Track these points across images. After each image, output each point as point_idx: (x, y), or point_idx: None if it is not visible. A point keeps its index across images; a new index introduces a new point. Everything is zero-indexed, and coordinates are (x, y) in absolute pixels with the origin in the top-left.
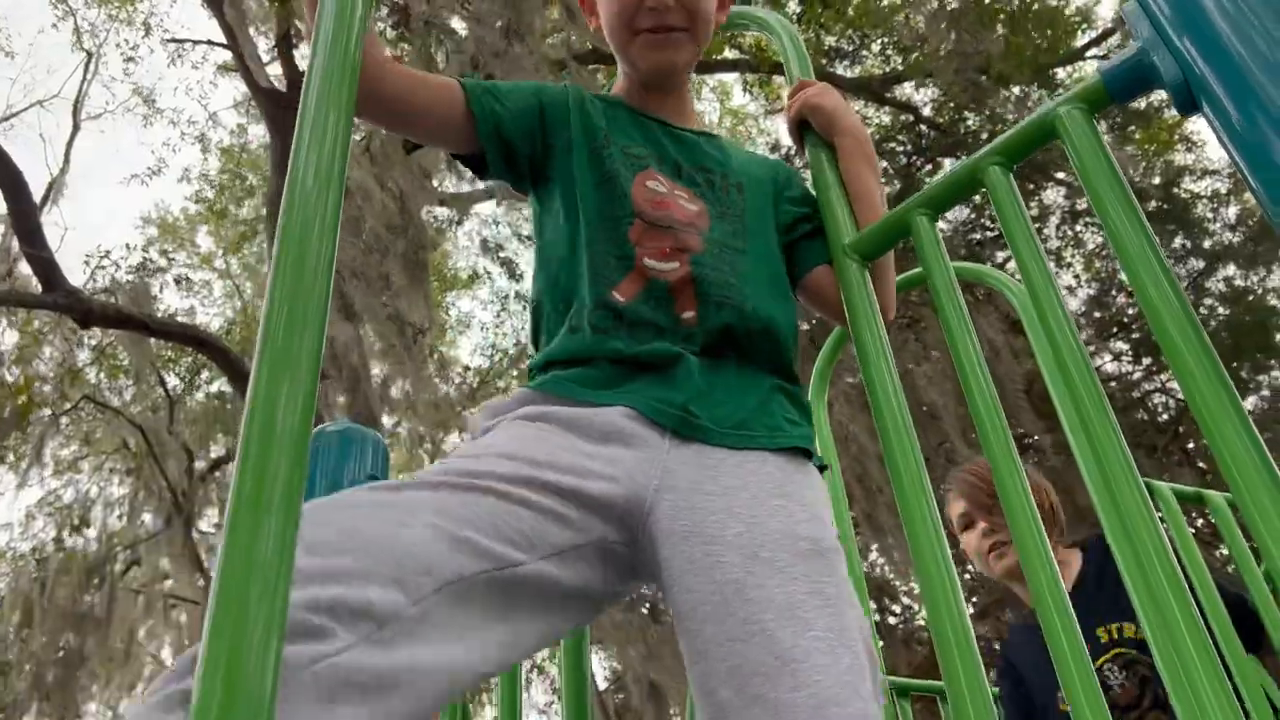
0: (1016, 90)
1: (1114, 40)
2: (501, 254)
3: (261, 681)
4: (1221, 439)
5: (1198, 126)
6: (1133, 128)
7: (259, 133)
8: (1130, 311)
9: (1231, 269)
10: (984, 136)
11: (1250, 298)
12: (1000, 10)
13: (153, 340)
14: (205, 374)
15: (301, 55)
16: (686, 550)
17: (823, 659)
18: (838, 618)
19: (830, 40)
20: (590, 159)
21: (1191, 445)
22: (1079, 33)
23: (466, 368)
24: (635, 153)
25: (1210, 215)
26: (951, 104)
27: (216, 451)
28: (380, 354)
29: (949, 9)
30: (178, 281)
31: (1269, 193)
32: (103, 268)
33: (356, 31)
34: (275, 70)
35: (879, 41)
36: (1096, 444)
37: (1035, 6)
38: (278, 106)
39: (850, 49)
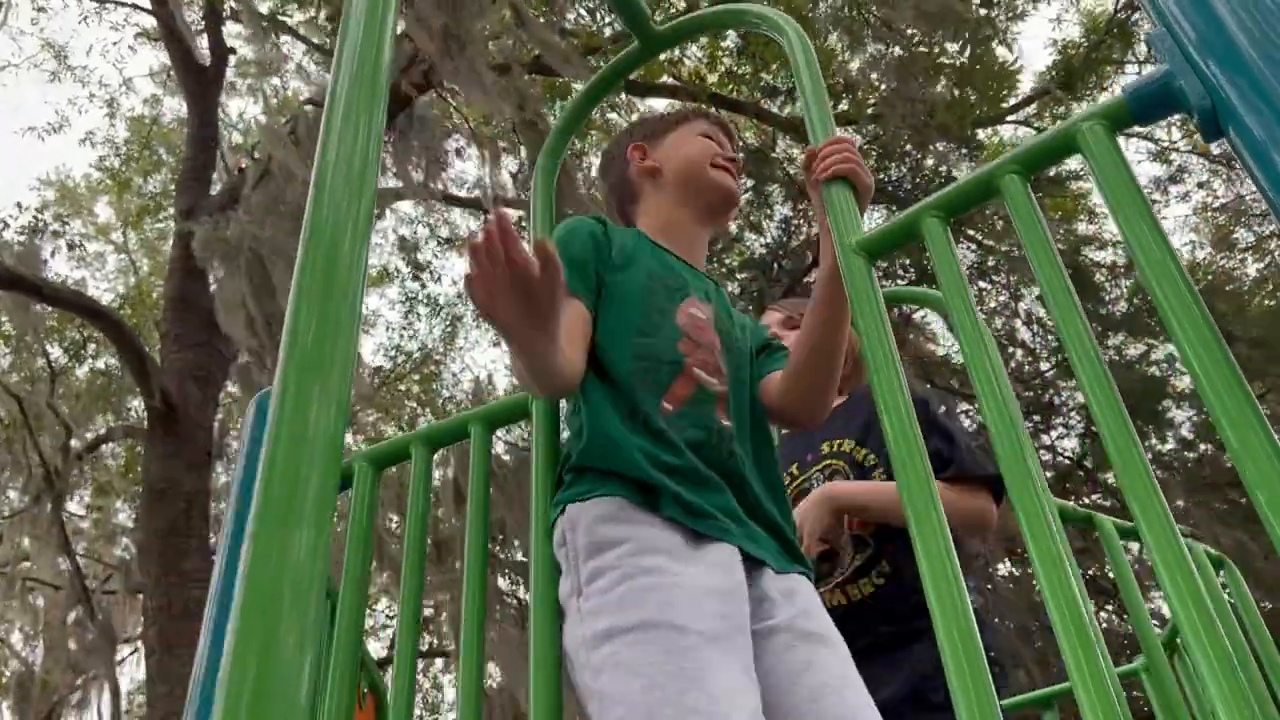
0: (941, 146)
1: (1033, 108)
2: (416, 254)
3: (296, 694)
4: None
5: (1098, 201)
6: (1041, 194)
7: (174, 106)
8: (1027, 368)
9: (1122, 337)
10: (907, 186)
11: (1138, 367)
12: (944, 65)
13: (39, 307)
14: (91, 347)
15: (230, 32)
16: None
17: None
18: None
19: (766, 78)
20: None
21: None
22: (1012, 92)
23: (376, 369)
24: (663, 276)
25: (1107, 285)
26: (878, 150)
27: (97, 430)
28: None
29: (896, 56)
30: (70, 247)
31: None
32: None
33: (385, 40)
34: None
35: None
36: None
37: (978, 65)
38: (200, 81)
39: (786, 88)
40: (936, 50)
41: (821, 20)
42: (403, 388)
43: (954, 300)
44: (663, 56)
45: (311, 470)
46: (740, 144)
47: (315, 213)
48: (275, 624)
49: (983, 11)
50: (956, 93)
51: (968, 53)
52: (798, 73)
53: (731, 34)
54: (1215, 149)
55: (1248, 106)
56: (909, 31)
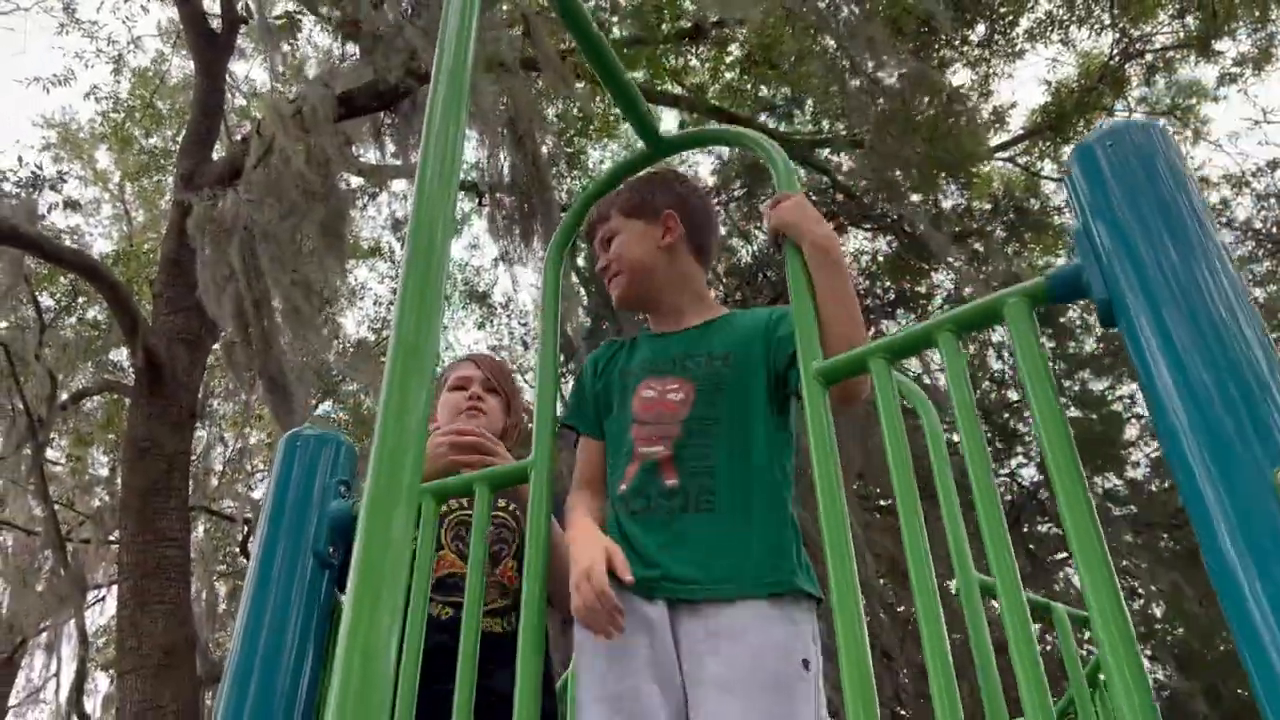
0: (916, 197)
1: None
2: (400, 230)
3: (389, 647)
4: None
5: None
6: (1029, 233)
7: (179, 64)
8: (994, 397)
9: (1087, 373)
10: (890, 219)
11: (1104, 406)
12: (923, 123)
13: (32, 261)
14: (81, 299)
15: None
16: None
17: None
18: None
19: (762, 90)
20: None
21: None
22: (991, 136)
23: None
24: (633, 370)
25: (1079, 323)
26: (864, 181)
27: (81, 382)
28: (283, 317)
29: (877, 110)
30: (70, 205)
31: (1154, 402)
32: None
33: (468, 54)
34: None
35: (811, 106)
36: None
37: (951, 123)
38: (211, 46)
39: (783, 106)
40: (914, 111)
41: (818, 61)
42: (384, 360)
43: (890, 435)
44: (669, 66)
45: (410, 452)
46: (736, 153)
47: (418, 210)
48: (378, 593)
49: (955, 81)
50: (929, 150)
51: (940, 119)
52: (776, 182)
53: (734, 49)
54: None
55: (1136, 308)
56: (891, 86)
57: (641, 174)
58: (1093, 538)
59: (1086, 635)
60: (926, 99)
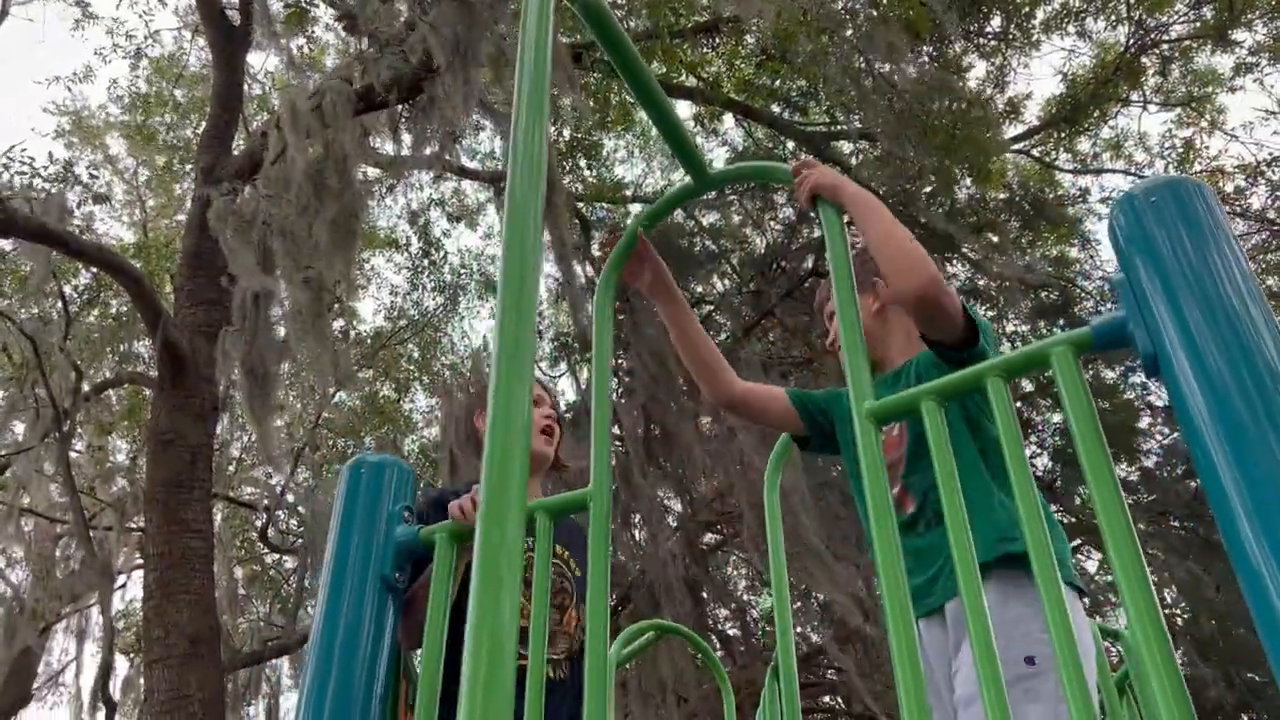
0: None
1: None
2: (419, 222)
3: (512, 638)
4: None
5: (1090, 228)
6: (1044, 222)
7: (199, 55)
8: None
9: (1100, 363)
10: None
11: (1116, 395)
12: (940, 128)
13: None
14: (104, 292)
15: None
16: None
17: None
18: None
19: (777, 83)
20: None
21: None
22: (1006, 127)
23: (377, 333)
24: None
25: (1093, 307)
26: (880, 174)
27: (104, 373)
28: (290, 313)
29: (894, 113)
30: (97, 200)
31: (1192, 447)
32: (21, 171)
33: (547, 51)
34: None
35: (825, 99)
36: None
37: (967, 129)
38: (228, 40)
39: (798, 99)
40: (930, 117)
41: (833, 64)
42: (401, 350)
43: (944, 477)
44: (686, 59)
45: (516, 454)
46: (751, 145)
47: (511, 216)
48: (499, 591)
49: (976, 86)
50: (946, 161)
51: (959, 123)
52: (832, 242)
53: (750, 40)
54: None
55: (1178, 363)
56: (907, 90)
57: None
58: (1141, 580)
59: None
60: (944, 104)
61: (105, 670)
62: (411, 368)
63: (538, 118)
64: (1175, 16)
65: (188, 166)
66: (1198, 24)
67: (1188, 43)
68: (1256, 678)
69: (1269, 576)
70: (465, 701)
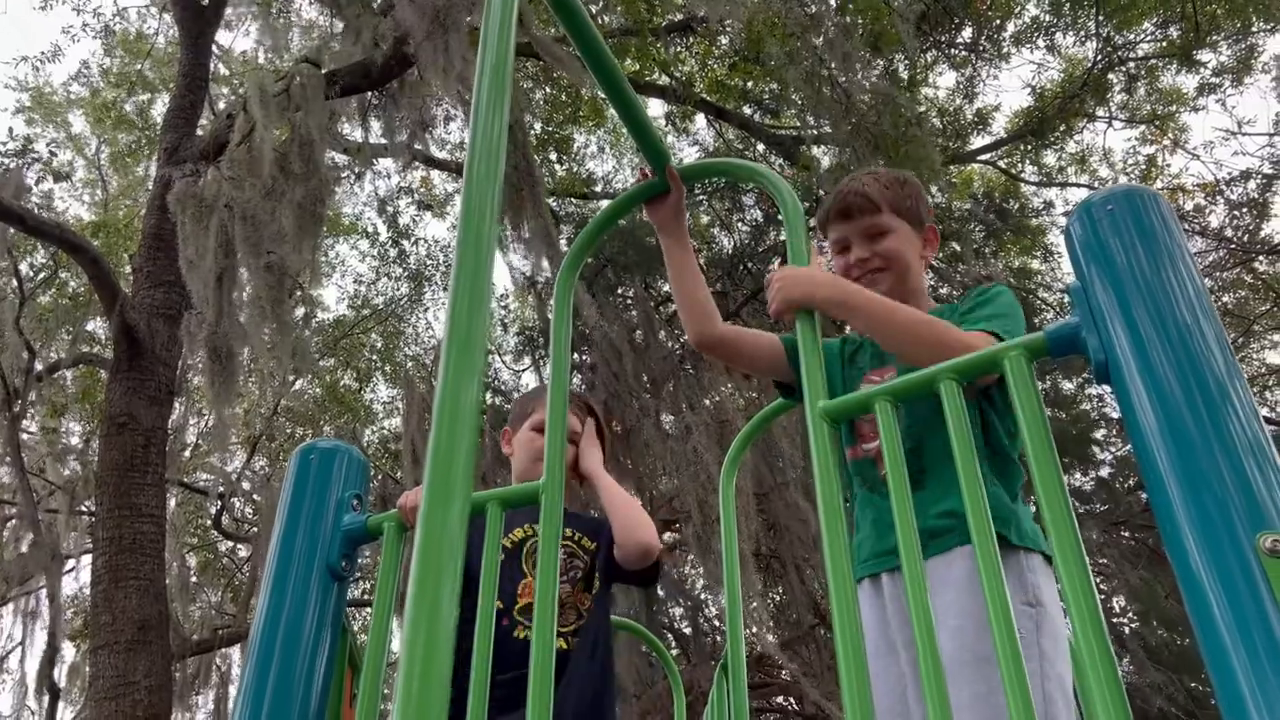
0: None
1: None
2: (386, 211)
3: (450, 629)
4: None
5: (1051, 240)
6: (1008, 233)
7: (166, 29)
8: None
9: (1059, 374)
10: None
11: (1074, 406)
12: (886, 143)
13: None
14: (61, 270)
15: None
16: None
17: None
18: None
19: (749, 84)
20: None
21: None
22: (973, 138)
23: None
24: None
25: (1053, 318)
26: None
27: (58, 353)
28: (251, 298)
29: (848, 125)
30: (57, 178)
31: (1140, 456)
32: None
33: (509, 49)
34: None
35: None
36: None
37: (909, 146)
38: (197, 19)
39: (770, 103)
40: (878, 131)
41: (796, 69)
42: (363, 339)
43: (894, 476)
44: (660, 57)
45: (463, 441)
46: (721, 144)
47: (467, 200)
48: (439, 581)
49: (937, 97)
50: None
51: (904, 140)
52: (791, 228)
53: (724, 41)
54: None
55: (1128, 372)
56: (862, 101)
57: (896, 174)
58: (1087, 591)
59: None
60: (890, 119)
61: (51, 655)
62: (374, 357)
63: (498, 106)
64: (1142, 35)
65: (147, 146)
66: (1164, 43)
67: (1154, 61)
68: (1200, 687)
69: (1209, 585)
70: (400, 693)
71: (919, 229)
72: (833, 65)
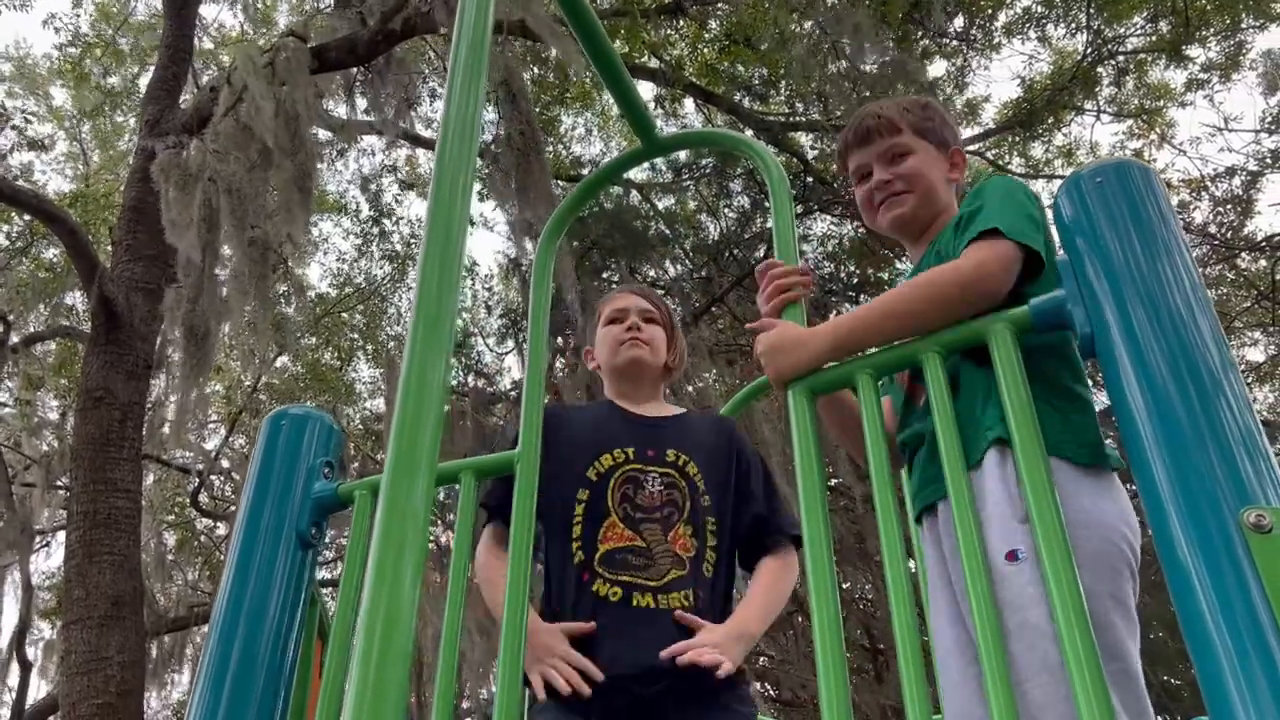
0: None
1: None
2: (371, 188)
3: (411, 604)
4: None
5: None
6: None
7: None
8: None
9: None
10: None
11: None
12: None
13: None
14: (38, 240)
15: None
16: None
17: None
18: None
19: (740, 68)
20: None
21: None
22: (963, 128)
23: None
24: None
25: None
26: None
27: (35, 324)
28: (234, 274)
29: (859, 96)
30: (34, 147)
31: (1123, 429)
32: None
33: (487, 25)
34: None
35: (786, 88)
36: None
37: None
38: None
39: (759, 87)
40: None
41: (801, 47)
42: (346, 317)
43: (874, 442)
44: (650, 39)
45: (429, 418)
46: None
47: (439, 176)
48: (401, 556)
49: (934, 74)
50: None
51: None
52: (775, 197)
53: (715, 25)
54: None
55: (1114, 344)
56: (871, 73)
57: (916, 97)
58: (1064, 556)
59: None
60: (902, 88)
61: (22, 629)
62: (356, 336)
63: (474, 85)
64: (1132, 29)
65: (130, 119)
66: (1154, 37)
67: (1143, 55)
68: (1173, 680)
69: (1190, 559)
70: (358, 666)
71: (944, 151)
72: (837, 41)
